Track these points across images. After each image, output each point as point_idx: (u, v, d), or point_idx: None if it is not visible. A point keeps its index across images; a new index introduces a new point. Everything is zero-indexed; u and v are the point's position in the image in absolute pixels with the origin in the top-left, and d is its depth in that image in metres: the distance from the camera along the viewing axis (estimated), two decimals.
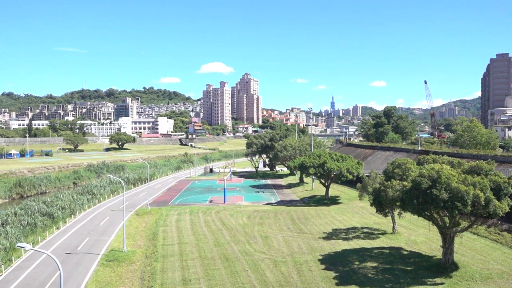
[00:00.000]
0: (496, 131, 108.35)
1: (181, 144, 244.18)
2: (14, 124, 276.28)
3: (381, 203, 32.87)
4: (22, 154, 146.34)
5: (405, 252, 35.18)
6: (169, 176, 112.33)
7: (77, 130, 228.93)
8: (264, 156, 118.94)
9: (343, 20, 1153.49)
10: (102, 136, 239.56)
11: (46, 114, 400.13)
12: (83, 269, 33.43)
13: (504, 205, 26.88)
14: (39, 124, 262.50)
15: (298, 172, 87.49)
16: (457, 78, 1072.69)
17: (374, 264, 32.15)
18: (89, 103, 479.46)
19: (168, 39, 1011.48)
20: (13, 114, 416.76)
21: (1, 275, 32.48)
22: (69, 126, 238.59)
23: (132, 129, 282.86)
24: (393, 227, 42.06)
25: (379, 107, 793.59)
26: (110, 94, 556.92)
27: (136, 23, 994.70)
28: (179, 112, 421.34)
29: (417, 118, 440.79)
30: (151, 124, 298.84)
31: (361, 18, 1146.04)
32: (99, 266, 34.20)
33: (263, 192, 78.14)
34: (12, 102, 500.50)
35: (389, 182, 32.12)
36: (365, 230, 44.02)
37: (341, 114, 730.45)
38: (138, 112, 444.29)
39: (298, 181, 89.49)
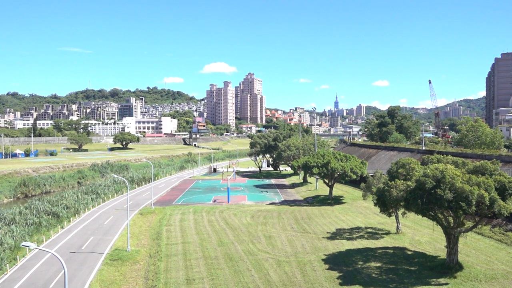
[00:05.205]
0: (501, 130, 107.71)
1: (185, 143, 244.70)
2: (19, 124, 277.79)
3: (385, 203, 32.81)
4: (27, 154, 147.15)
5: (409, 252, 35.07)
6: (173, 175, 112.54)
7: (82, 130, 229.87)
8: (267, 156, 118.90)
9: (345, 20, 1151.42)
10: (106, 135, 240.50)
11: (51, 114, 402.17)
12: (87, 268, 33.55)
13: (509, 205, 26.72)
14: (43, 124, 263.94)
15: (302, 172, 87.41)
16: (461, 78, 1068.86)
17: (378, 264, 32.08)
18: (93, 103, 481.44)
19: (170, 39, 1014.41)
20: (18, 114, 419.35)
21: (6, 274, 32.66)
22: (74, 126, 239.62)
23: (136, 128, 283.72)
24: (397, 227, 41.94)
25: (383, 106, 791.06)
26: (114, 94, 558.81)
27: (139, 23, 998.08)
28: (182, 112, 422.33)
29: (421, 117, 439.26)
30: (155, 124, 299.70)
31: (364, 17, 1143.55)
32: (103, 265, 34.32)
33: (267, 191, 78.10)
34: (17, 102, 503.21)
35: (393, 182, 32.05)
36: (369, 230, 43.91)
37: (345, 114, 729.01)
38: (142, 112, 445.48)
39: (302, 181, 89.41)
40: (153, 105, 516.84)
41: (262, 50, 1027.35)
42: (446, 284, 27.83)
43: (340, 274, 30.23)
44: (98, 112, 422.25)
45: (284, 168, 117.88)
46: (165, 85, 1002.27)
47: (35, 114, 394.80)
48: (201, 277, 30.71)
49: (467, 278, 28.45)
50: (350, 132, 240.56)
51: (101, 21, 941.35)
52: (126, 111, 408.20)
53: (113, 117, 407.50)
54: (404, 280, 28.65)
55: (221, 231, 44.57)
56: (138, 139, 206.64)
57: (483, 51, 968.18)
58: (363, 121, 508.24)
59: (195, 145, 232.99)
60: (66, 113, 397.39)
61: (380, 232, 42.73)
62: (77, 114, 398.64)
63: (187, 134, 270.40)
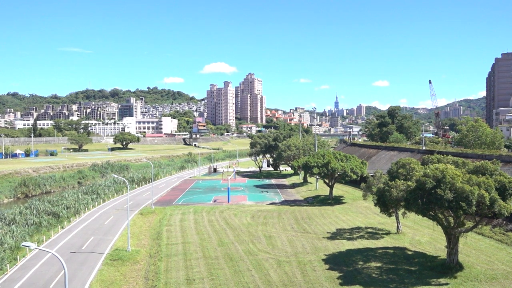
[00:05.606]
0: (501, 130, 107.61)
1: (185, 144, 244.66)
2: (19, 124, 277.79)
3: (386, 203, 32.81)
4: (27, 154, 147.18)
5: (410, 252, 35.06)
6: (173, 175, 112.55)
7: (82, 130, 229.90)
8: (268, 156, 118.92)
9: (345, 20, 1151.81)
10: (106, 136, 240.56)
11: (51, 114, 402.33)
12: (87, 269, 33.56)
13: (509, 205, 26.72)
14: (44, 124, 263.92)
15: (302, 172, 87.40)
16: (461, 78, 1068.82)
17: (378, 264, 32.07)
18: (93, 103, 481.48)
19: (170, 39, 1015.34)
20: (18, 114, 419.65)
21: (6, 274, 32.67)
22: (74, 126, 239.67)
23: (136, 129, 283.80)
24: (397, 227, 41.94)
25: (383, 106, 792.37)
26: (115, 94, 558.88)
27: (140, 23, 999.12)
28: (183, 112, 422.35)
29: (421, 117, 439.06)
30: (155, 124, 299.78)
31: (364, 17, 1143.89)
32: (103, 265, 34.33)
33: (267, 192, 78.10)
34: (17, 102, 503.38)
35: (393, 182, 32.06)
36: (369, 230, 43.90)
37: (345, 114, 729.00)
38: (142, 112, 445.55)
39: (302, 181, 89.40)
40: (153, 105, 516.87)
41: (262, 50, 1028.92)
42: (447, 284, 27.83)
43: (340, 274, 30.23)
44: (98, 112, 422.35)
45: (284, 168, 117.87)
46: (165, 85, 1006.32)
47: (35, 114, 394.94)
48: (201, 277, 30.72)
49: (468, 278, 28.45)
50: (350, 132, 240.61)
51: (101, 21, 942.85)
52: (126, 111, 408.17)
53: (113, 117, 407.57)
54: (405, 280, 28.64)
55: (221, 231, 44.58)
56: (138, 139, 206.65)
57: (483, 51, 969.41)
58: (363, 121, 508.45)
59: (195, 145, 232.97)
60: (66, 113, 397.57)
61: (380, 232, 42.72)
62: (77, 114, 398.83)
63: (187, 134, 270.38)
